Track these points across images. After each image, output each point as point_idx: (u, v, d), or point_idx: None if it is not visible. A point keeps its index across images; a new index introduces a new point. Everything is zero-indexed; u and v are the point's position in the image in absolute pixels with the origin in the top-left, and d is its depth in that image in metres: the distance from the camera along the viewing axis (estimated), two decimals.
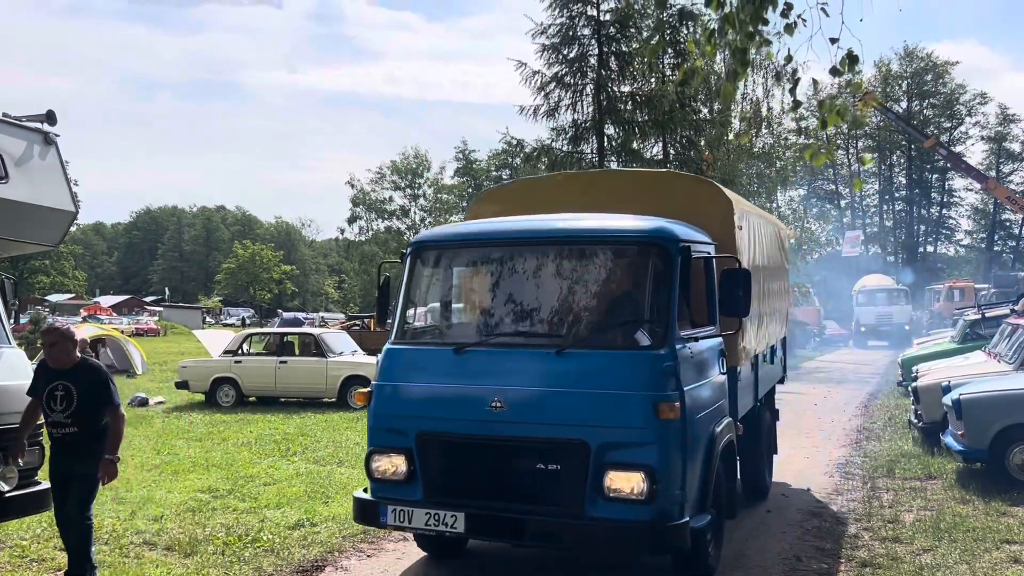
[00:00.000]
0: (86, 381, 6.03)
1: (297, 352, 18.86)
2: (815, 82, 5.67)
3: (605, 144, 22.99)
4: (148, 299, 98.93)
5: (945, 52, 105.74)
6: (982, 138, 71.13)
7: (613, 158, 22.94)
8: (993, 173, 63.90)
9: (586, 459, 5.46)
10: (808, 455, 12.03)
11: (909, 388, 14.28)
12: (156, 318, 71.83)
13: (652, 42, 21.34)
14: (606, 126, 23.13)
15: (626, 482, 5.41)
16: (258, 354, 19.54)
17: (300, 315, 65.93)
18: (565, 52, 22.96)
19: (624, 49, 22.91)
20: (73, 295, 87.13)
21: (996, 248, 72.05)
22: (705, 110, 25.54)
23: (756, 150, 29.80)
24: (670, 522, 5.46)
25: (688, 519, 5.54)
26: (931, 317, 40.13)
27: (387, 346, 6.32)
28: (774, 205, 30.75)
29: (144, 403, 18.66)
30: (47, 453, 6.32)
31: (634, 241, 6.14)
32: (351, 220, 55.35)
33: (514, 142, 24.32)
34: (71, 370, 6.05)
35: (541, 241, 6.27)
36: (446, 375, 5.94)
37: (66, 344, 6.08)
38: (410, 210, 56.20)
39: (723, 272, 6.28)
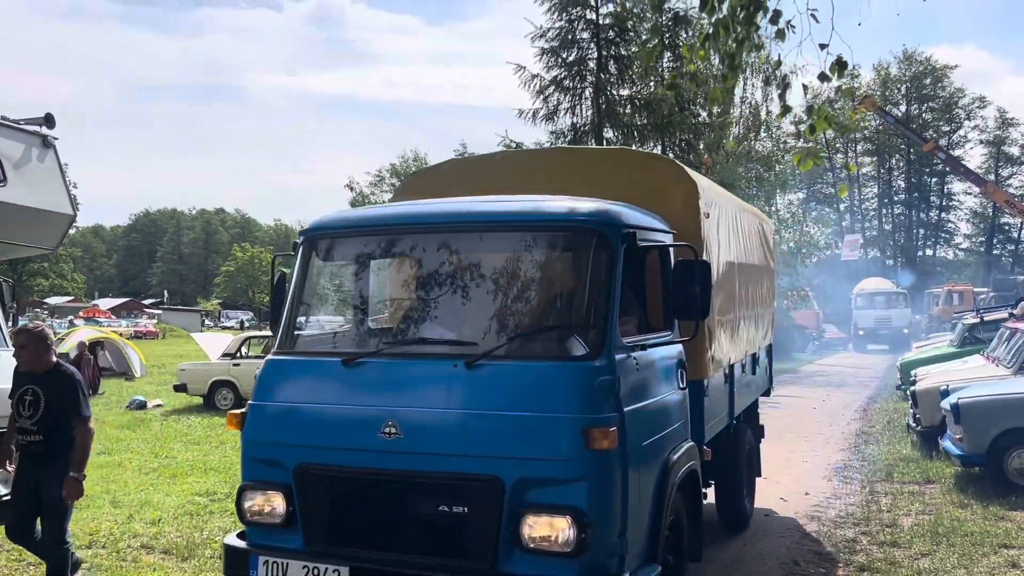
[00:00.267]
0: (56, 387, 5.78)
1: None
2: (805, 87, 5.62)
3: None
4: (147, 302, 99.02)
5: (944, 56, 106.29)
6: (981, 142, 71.24)
7: None
8: (992, 177, 63.94)
9: (500, 499, 4.32)
10: (806, 459, 12.03)
11: (907, 392, 14.29)
12: (155, 321, 71.86)
13: (648, 46, 21.39)
14: (605, 130, 23.15)
15: (549, 528, 4.31)
16: (257, 357, 19.50)
17: None
18: (564, 55, 23.00)
19: (623, 53, 22.95)
20: (72, 298, 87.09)
21: (995, 252, 72.08)
22: (704, 114, 25.56)
23: (755, 154, 29.82)
24: None
25: (628, 574, 4.46)
26: (930, 321, 40.14)
27: (268, 356, 5.22)
28: (773, 208, 30.73)
29: (142, 406, 18.65)
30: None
31: (566, 226, 4.95)
32: None
33: (513, 145, 24.34)
34: (44, 375, 5.82)
35: (452, 228, 5.09)
36: (332, 393, 4.80)
37: (37, 347, 5.83)
38: None
39: (676, 264, 5.09)
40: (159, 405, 19.04)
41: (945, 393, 10.69)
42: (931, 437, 11.66)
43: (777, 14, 4.98)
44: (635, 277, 5.15)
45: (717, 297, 6.17)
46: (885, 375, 25.62)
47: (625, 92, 23.38)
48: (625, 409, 4.48)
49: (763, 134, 31.43)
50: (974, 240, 75.63)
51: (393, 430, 4.51)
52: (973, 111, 70.84)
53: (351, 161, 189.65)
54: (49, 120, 7.60)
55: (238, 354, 18.90)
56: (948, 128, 71.01)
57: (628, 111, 23.04)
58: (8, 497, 6.23)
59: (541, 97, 23.15)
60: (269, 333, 6.60)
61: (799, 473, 10.98)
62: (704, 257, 5.83)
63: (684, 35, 24.01)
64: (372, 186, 55.92)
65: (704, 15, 5.20)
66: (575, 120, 23.17)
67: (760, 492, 9.51)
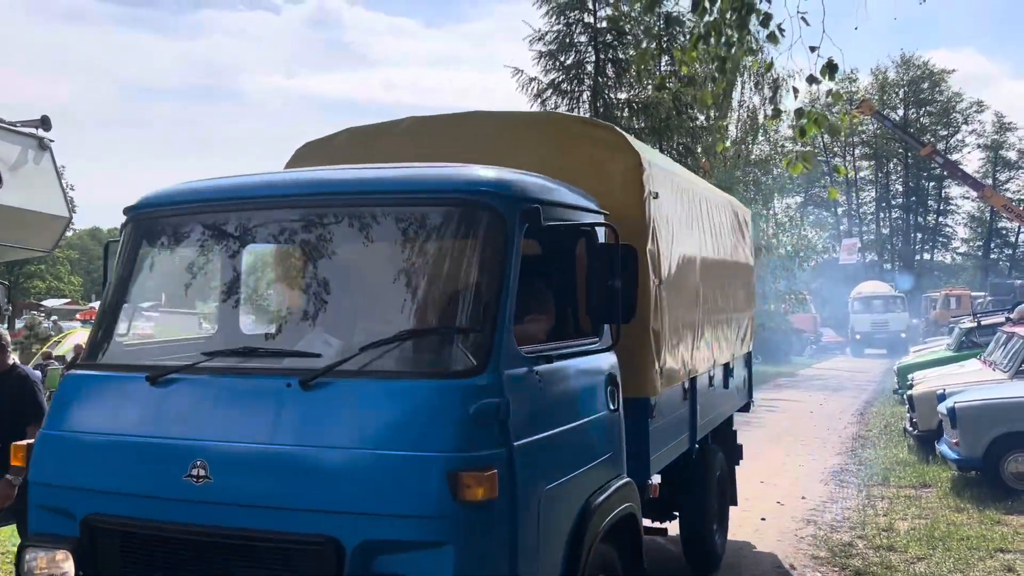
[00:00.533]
0: (11, 392, 5.50)
1: None
2: (796, 91, 5.64)
3: None
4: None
5: (942, 60, 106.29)
6: (978, 146, 71.29)
7: None
8: (989, 181, 64.01)
9: (338, 570, 3.19)
10: (803, 463, 12.02)
11: (904, 396, 14.29)
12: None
13: (641, 47, 21.43)
14: None
15: None
16: None
17: None
18: (562, 59, 23.02)
19: (621, 56, 22.97)
20: (69, 300, 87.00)
21: (992, 256, 72.13)
22: (702, 118, 25.59)
23: (753, 157, 29.85)
24: None
25: None
26: (927, 325, 40.16)
27: (68, 372, 4.26)
28: (771, 212, 30.74)
29: None
30: None
31: (445, 198, 3.76)
32: None
33: None
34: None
35: (298, 203, 3.91)
36: (133, 420, 3.65)
37: None
38: None
39: (592, 249, 4.05)
40: None
41: (942, 397, 10.70)
42: (928, 441, 11.66)
43: (768, 17, 4.99)
44: (552, 268, 4.26)
45: (670, 296, 5.20)
46: (882, 379, 25.62)
47: (623, 96, 23.41)
48: (518, 442, 3.36)
49: (760, 138, 31.47)
50: (971, 244, 75.68)
51: (202, 472, 3.37)
52: (971, 115, 70.96)
53: None
54: (45, 122, 7.60)
55: None
56: (946, 132, 71.08)
57: (626, 114, 23.05)
58: None
59: (539, 100, 23.17)
60: None
61: (796, 477, 10.98)
62: (650, 246, 4.85)
63: (681, 39, 24.04)
64: None
65: (696, 17, 5.21)
66: None
67: (757, 495, 9.51)
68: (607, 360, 4.31)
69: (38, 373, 5.88)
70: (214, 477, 3.37)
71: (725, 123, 28.37)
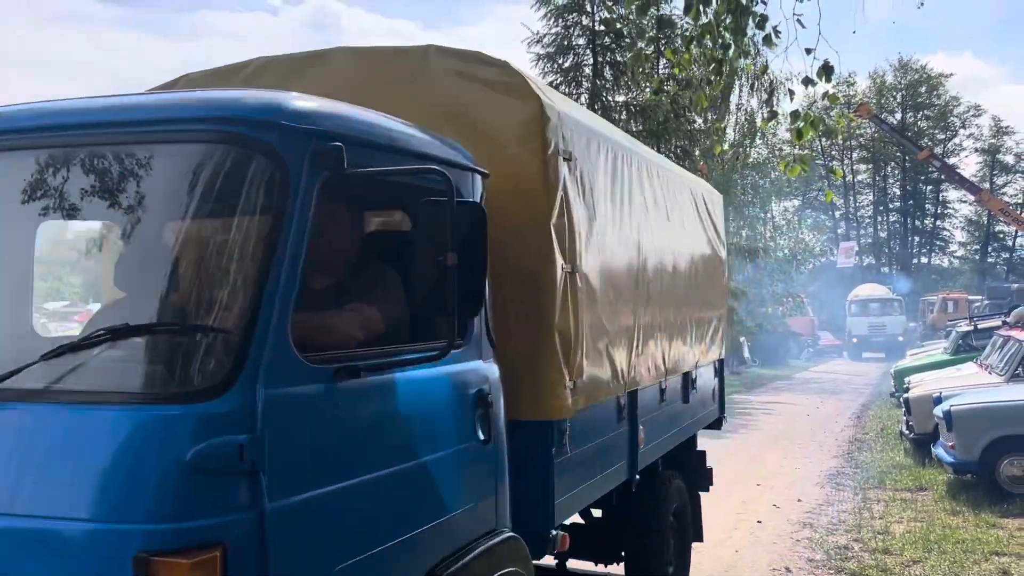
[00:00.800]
0: None
1: None
2: (792, 93, 5.63)
3: None
4: None
5: (940, 64, 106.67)
6: (976, 150, 71.50)
7: None
8: (987, 185, 64.15)
9: None
10: (800, 466, 12.05)
11: (901, 399, 14.32)
12: None
13: (637, 47, 21.49)
14: None
15: None
16: None
17: None
18: (560, 61, 23.05)
19: (619, 59, 23.01)
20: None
21: (990, 260, 72.27)
22: (700, 120, 25.63)
23: (750, 160, 29.90)
24: None
25: None
26: (924, 328, 40.20)
27: None
28: (768, 215, 30.80)
29: None
30: None
31: (188, 133, 2.59)
32: None
33: None
34: None
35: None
36: None
37: None
38: None
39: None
40: None
41: (938, 400, 10.72)
42: (924, 444, 11.68)
43: (764, 19, 5.01)
44: (405, 241, 3.11)
45: (590, 288, 4.02)
46: (880, 382, 25.66)
47: (621, 98, 23.42)
48: (280, 503, 2.27)
49: (758, 141, 31.52)
50: (969, 248, 75.80)
51: None
52: (968, 119, 71.18)
53: None
54: None
55: None
56: (943, 136, 71.27)
57: (623, 117, 23.08)
58: None
59: None
60: None
61: (792, 479, 11.00)
62: (555, 220, 3.62)
63: (679, 41, 24.09)
64: None
65: (690, 19, 5.22)
66: None
67: (753, 498, 9.53)
68: (476, 372, 3.19)
69: None
70: None
71: (723, 126, 28.45)
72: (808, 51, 5.13)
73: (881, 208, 75.06)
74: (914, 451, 12.25)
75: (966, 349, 16.23)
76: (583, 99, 23.13)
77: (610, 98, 23.35)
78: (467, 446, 3.13)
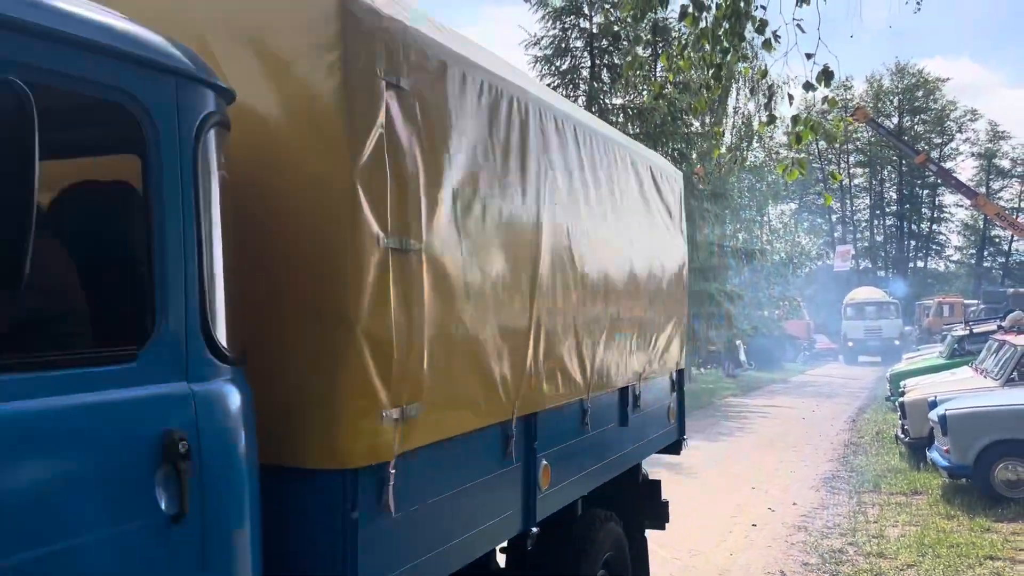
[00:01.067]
0: None
1: None
2: (791, 97, 5.64)
3: None
4: None
5: (937, 68, 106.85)
6: (972, 154, 71.65)
7: None
8: (983, 189, 64.26)
9: None
10: (795, 469, 12.06)
11: (896, 403, 14.34)
12: None
13: (634, 51, 21.53)
14: None
15: None
16: None
17: None
18: (557, 64, 23.08)
19: (616, 62, 23.04)
20: None
21: (986, 264, 72.38)
22: (697, 123, 25.66)
23: (748, 164, 29.96)
24: None
25: None
26: (920, 332, 40.26)
27: None
28: (765, 218, 30.86)
29: None
30: None
31: None
32: None
33: None
34: None
35: None
36: None
37: None
38: None
39: None
40: None
41: (933, 404, 10.73)
42: (919, 448, 11.70)
43: (763, 24, 5.03)
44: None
45: (438, 272, 2.88)
46: (875, 386, 25.69)
47: (618, 101, 23.46)
48: None
49: (755, 144, 31.58)
50: (965, 252, 75.92)
51: None
52: (964, 124, 71.32)
53: None
54: None
55: None
56: (940, 140, 71.39)
57: (621, 120, 23.11)
58: None
59: None
60: None
61: (787, 483, 11.00)
62: (381, 174, 2.57)
63: (676, 45, 24.12)
64: None
65: (685, 26, 5.24)
66: None
67: (748, 502, 9.54)
68: (159, 403, 1.99)
69: None
70: None
71: (720, 129, 28.50)
72: (808, 56, 5.15)
73: (877, 212, 75.17)
74: (909, 455, 12.26)
75: (962, 353, 16.25)
76: (580, 101, 23.17)
77: (607, 101, 23.38)
78: (134, 527, 1.87)
